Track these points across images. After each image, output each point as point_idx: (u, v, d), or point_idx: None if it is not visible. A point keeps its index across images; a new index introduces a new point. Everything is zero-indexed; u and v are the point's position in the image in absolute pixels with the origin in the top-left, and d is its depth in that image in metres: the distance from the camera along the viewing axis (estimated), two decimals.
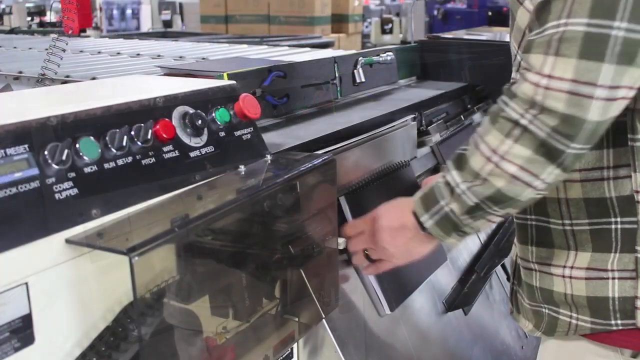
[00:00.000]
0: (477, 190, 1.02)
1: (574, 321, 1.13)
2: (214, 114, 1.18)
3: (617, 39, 0.90)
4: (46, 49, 1.91)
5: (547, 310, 1.16)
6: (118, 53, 2.78)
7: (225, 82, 1.31)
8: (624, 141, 1.05)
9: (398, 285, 1.55)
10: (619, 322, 1.08)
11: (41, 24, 8.64)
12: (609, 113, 0.93)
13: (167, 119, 1.08)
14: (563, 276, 1.13)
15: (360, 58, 2.14)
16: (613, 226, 1.08)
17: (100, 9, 9.97)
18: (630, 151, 1.04)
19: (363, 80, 2.12)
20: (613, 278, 1.08)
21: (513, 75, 1.19)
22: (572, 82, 0.91)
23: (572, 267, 1.12)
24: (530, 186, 0.99)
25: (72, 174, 0.92)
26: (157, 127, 1.06)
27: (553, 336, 1.17)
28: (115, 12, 10.13)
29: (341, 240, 1.35)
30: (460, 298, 1.80)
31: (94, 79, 1.89)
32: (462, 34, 3.02)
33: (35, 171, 0.88)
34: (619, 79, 0.91)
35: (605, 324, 1.09)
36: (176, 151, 1.08)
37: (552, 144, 0.95)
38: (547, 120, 0.94)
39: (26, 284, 0.84)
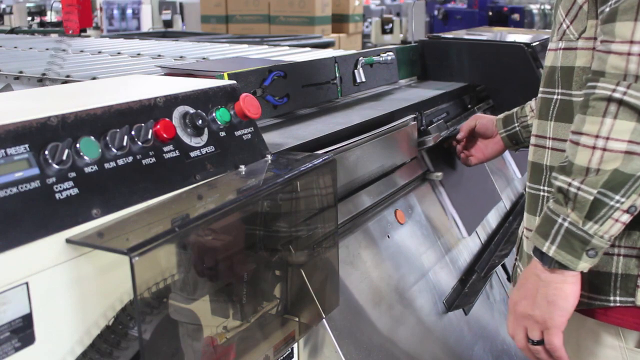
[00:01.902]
0: (592, 180, 0.94)
1: None
2: (214, 114, 1.18)
3: None
4: (49, 49, 1.90)
5: None
6: (118, 53, 2.78)
7: (226, 82, 1.31)
8: None
9: (473, 211, 1.49)
10: (617, 298, 1.08)
11: (42, 24, 8.65)
12: None
13: (167, 119, 1.08)
14: None
15: (361, 58, 2.14)
16: None
17: (101, 9, 9.97)
18: None
19: (363, 80, 2.12)
20: (619, 255, 1.07)
21: (553, 45, 1.14)
22: None
23: None
24: None
25: (73, 174, 0.92)
26: (158, 127, 1.06)
27: None
28: (115, 12, 10.12)
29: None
30: (461, 298, 1.80)
31: (94, 78, 1.89)
32: (462, 34, 3.02)
33: (35, 171, 0.88)
34: None
35: (604, 300, 1.09)
36: (176, 151, 1.08)
37: None
38: None
39: (26, 283, 0.84)
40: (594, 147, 0.93)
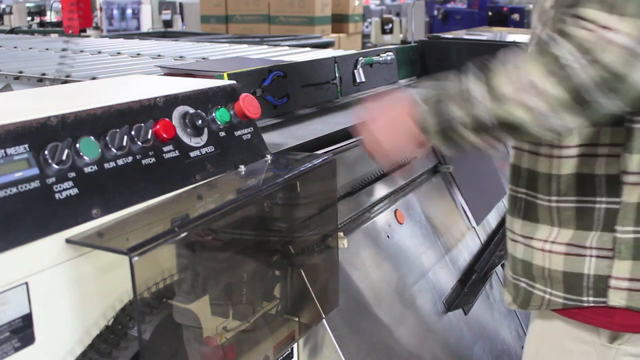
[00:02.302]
0: (499, 113, 1.00)
1: (547, 296, 1.15)
2: (214, 114, 1.18)
3: None
4: (62, 49, 1.90)
5: (524, 284, 1.19)
6: (118, 53, 2.78)
7: (226, 82, 1.31)
8: (621, 120, 1.05)
9: (481, 202, 1.49)
10: (590, 299, 1.10)
11: (41, 24, 8.65)
12: None
13: (167, 119, 1.08)
14: (543, 250, 1.15)
15: (361, 58, 2.14)
16: (597, 205, 1.09)
17: (101, 9, 9.96)
18: (625, 131, 1.05)
19: (363, 80, 2.12)
20: (591, 256, 1.10)
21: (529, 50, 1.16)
22: (632, 40, 0.90)
23: (552, 242, 1.13)
24: (552, 131, 0.98)
25: (73, 174, 0.92)
26: (158, 127, 1.06)
27: (527, 309, 1.20)
28: (115, 12, 10.12)
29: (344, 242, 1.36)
30: (461, 298, 1.80)
31: (94, 78, 1.89)
32: (462, 34, 3.02)
33: (35, 171, 0.88)
34: None
35: (577, 300, 1.11)
36: (176, 151, 1.08)
37: (594, 95, 0.93)
38: (599, 72, 0.92)
39: (26, 283, 0.84)
40: (520, 88, 0.97)
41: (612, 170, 1.07)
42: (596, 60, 0.92)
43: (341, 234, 1.41)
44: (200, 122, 1.12)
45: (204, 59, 2.46)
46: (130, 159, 1.00)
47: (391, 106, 1.17)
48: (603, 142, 1.08)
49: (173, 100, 1.12)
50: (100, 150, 0.96)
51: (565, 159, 1.11)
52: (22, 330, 0.84)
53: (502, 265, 2.08)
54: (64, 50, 1.93)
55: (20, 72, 2.07)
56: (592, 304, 1.10)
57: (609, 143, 1.07)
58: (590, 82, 0.93)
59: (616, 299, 1.08)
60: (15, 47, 3.10)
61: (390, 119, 1.16)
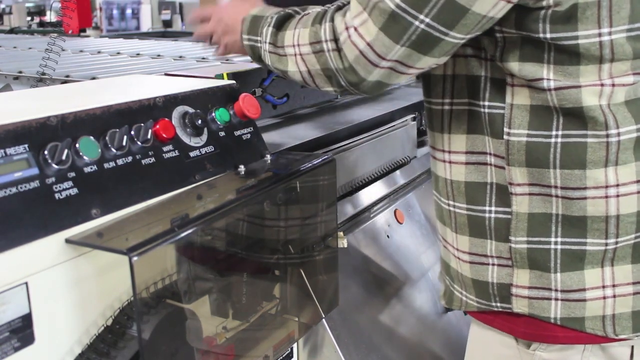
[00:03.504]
0: (273, 59, 1.16)
1: (464, 298, 1.16)
2: (213, 114, 1.18)
3: (417, 30, 0.95)
4: (46, 49, 1.90)
5: (448, 282, 1.21)
6: (118, 53, 2.78)
7: (225, 81, 1.31)
8: (502, 134, 1.05)
9: None
10: (498, 304, 1.11)
11: (41, 24, 8.64)
12: (391, 80, 1.04)
13: (167, 119, 1.08)
14: (454, 255, 1.16)
15: None
16: (487, 215, 1.09)
17: (100, 9, 9.96)
18: (504, 144, 1.04)
19: None
20: (493, 264, 1.10)
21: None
22: (367, 45, 0.99)
23: (457, 249, 1.15)
24: (308, 84, 1.13)
25: (72, 174, 0.92)
26: (157, 126, 1.06)
27: (452, 307, 1.22)
28: (115, 11, 10.11)
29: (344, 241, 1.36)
30: None
31: (93, 78, 1.89)
32: None
33: (35, 171, 0.88)
34: (409, 60, 0.99)
35: (488, 305, 1.12)
36: (176, 151, 1.08)
37: (336, 75, 1.06)
38: (338, 60, 1.04)
39: (26, 283, 0.84)
40: (293, 46, 1.12)
41: (501, 180, 1.07)
42: (337, 50, 1.02)
43: (341, 234, 1.41)
44: (200, 122, 1.12)
45: (203, 59, 2.46)
46: (130, 159, 1.00)
47: (243, 2, 1.30)
48: (489, 151, 1.07)
49: (173, 100, 1.12)
50: (100, 150, 0.96)
51: (456, 164, 1.11)
52: (22, 330, 0.84)
53: None
54: (46, 49, 1.93)
55: (20, 72, 2.06)
56: (500, 309, 1.11)
57: (494, 153, 1.06)
58: (334, 67, 1.05)
59: (519, 306, 1.08)
60: (15, 47, 3.09)
61: (232, 8, 1.29)
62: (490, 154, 1.07)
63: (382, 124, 1.84)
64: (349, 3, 1.04)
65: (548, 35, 0.96)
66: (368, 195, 1.73)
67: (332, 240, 1.32)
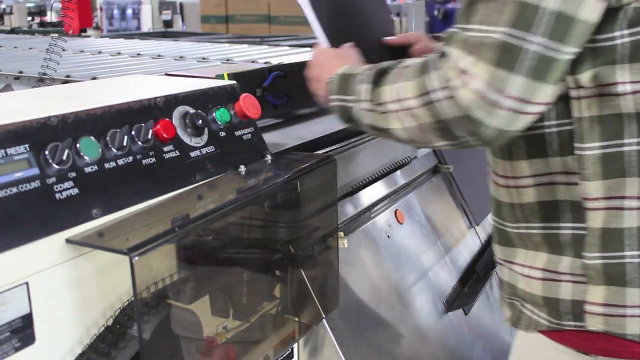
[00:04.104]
0: (371, 117, 1.09)
1: (534, 317, 1.14)
2: (214, 114, 1.18)
3: (530, 53, 0.91)
4: (47, 49, 1.90)
5: (518, 303, 1.19)
6: (118, 53, 2.78)
7: (226, 82, 1.31)
8: (572, 150, 1.04)
9: (481, 202, 1.48)
10: (570, 323, 1.09)
11: (42, 24, 8.63)
12: (514, 125, 0.95)
13: (167, 119, 1.08)
14: (522, 274, 1.15)
15: None
16: (563, 231, 1.08)
17: (101, 9, 9.96)
18: (577, 160, 1.03)
19: None
20: (566, 281, 1.09)
21: None
22: (484, 84, 0.92)
23: (530, 267, 1.13)
24: (419, 142, 1.06)
25: (73, 174, 0.92)
26: (158, 127, 1.06)
27: (518, 327, 1.19)
28: (115, 12, 10.11)
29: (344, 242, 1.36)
30: (461, 298, 1.80)
31: (94, 78, 1.89)
32: None
33: (35, 171, 0.88)
34: (532, 94, 0.92)
35: (558, 324, 1.11)
36: (176, 151, 1.08)
37: (450, 129, 0.98)
38: (453, 109, 0.96)
39: (26, 283, 0.84)
40: (396, 101, 1.04)
41: (575, 197, 1.06)
42: (452, 97, 0.95)
43: (341, 234, 1.41)
44: (200, 122, 1.12)
45: (204, 59, 2.46)
46: (130, 159, 1.00)
47: (337, 55, 1.29)
48: (556, 170, 1.07)
49: (173, 100, 1.12)
50: (100, 150, 0.96)
51: (523, 188, 1.11)
52: (22, 330, 0.84)
53: None
54: (47, 49, 1.93)
55: (20, 72, 2.06)
56: (572, 328, 1.09)
57: (563, 171, 1.06)
58: (450, 117, 0.96)
59: (594, 323, 1.07)
60: (15, 47, 3.09)
61: (327, 61, 1.27)
62: (558, 172, 1.06)
63: None
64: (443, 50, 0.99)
65: (626, 33, 0.95)
66: (368, 195, 1.73)
67: (332, 240, 1.32)
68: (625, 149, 1.00)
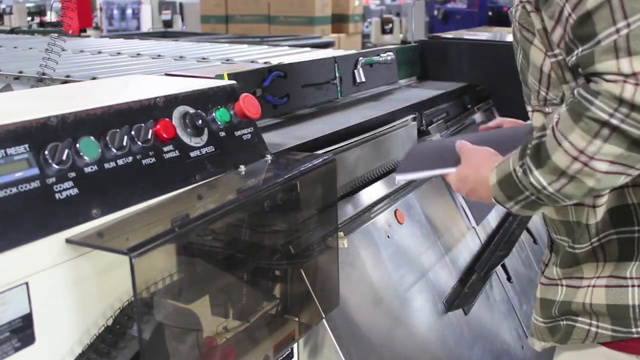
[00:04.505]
0: (567, 192, 0.98)
1: (593, 329, 1.12)
2: (214, 114, 1.18)
3: None
4: (46, 49, 1.90)
5: (564, 322, 1.17)
6: (118, 53, 2.78)
7: (226, 82, 1.31)
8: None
9: (481, 203, 1.47)
10: None
11: (41, 24, 8.63)
12: None
13: (167, 119, 1.08)
14: (584, 287, 1.13)
15: (361, 58, 2.14)
16: (636, 235, 1.08)
17: (101, 9, 9.96)
18: None
19: (363, 80, 2.12)
20: (633, 286, 1.08)
21: (537, 107, 1.16)
22: None
23: (596, 278, 1.12)
24: (624, 174, 0.95)
25: (73, 174, 0.92)
26: (158, 127, 1.06)
27: (566, 344, 1.17)
28: (115, 12, 10.11)
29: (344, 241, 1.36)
30: (461, 298, 1.80)
31: (94, 79, 1.89)
32: (462, 34, 3.02)
33: (35, 171, 0.88)
34: None
35: (627, 332, 1.09)
36: (176, 151, 1.08)
37: None
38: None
39: (26, 283, 0.84)
40: (575, 159, 0.95)
41: None
42: (633, 107, 0.89)
43: (341, 234, 1.41)
44: (200, 122, 1.12)
45: (204, 59, 2.46)
46: (130, 159, 1.00)
47: (471, 170, 1.19)
48: None
49: (173, 100, 1.12)
50: (100, 150, 0.96)
51: (600, 207, 1.09)
52: (22, 330, 0.84)
53: (503, 266, 2.09)
54: (46, 49, 1.93)
55: (20, 72, 2.06)
56: None
57: None
58: (638, 131, 0.89)
59: None
60: (15, 47, 3.09)
61: (470, 181, 1.19)
62: None
63: (382, 124, 1.84)
64: (587, 77, 0.94)
65: None
66: (368, 195, 1.73)
67: (332, 240, 1.32)
68: None
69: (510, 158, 1.06)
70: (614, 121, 0.90)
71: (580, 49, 0.94)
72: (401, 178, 1.35)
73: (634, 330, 1.08)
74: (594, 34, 0.91)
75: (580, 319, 1.14)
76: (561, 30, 1.00)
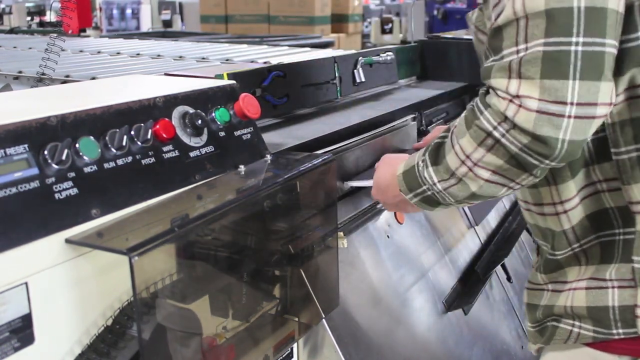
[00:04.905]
0: (453, 192, 1.06)
1: (575, 329, 1.13)
2: (214, 114, 1.18)
3: (577, 55, 0.89)
4: (45, 49, 1.90)
5: (549, 323, 1.17)
6: (118, 53, 2.78)
7: (225, 81, 1.31)
8: (608, 156, 1.04)
9: (481, 203, 1.48)
10: (620, 330, 1.08)
11: (41, 24, 8.63)
12: (585, 132, 0.92)
13: (167, 119, 1.08)
14: (566, 290, 1.14)
15: (360, 58, 2.14)
16: (617, 237, 1.08)
17: (100, 9, 9.96)
18: (615, 165, 1.03)
19: (363, 80, 2.12)
20: (612, 287, 1.08)
21: None
22: (541, 100, 0.90)
23: (577, 280, 1.13)
24: (505, 186, 1.01)
25: (72, 174, 0.92)
26: (157, 127, 1.06)
27: (549, 344, 1.18)
28: (115, 11, 10.11)
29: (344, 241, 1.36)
30: (460, 298, 1.80)
31: (93, 78, 1.89)
32: (462, 33, 3.01)
33: (35, 171, 0.88)
34: (592, 95, 0.90)
35: (607, 333, 1.09)
36: (176, 151, 1.08)
37: (525, 158, 0.95)
38: (518, 137, 0.93)
39: (26, 283, 0.84)
40: (463, 162, 1.01)
41: (620, 202, 1.06)
42: (514, 127, 0.93)
43: (341, 234, 1.41)
44: (200, 122, 1.12)
45: (203, 59, 2.46)
46: (129, 159, 1.00)
47: (384, 170, 1.28)
48: (598, 179, 1.06)
49: (173, 100, 1.12)
50: (99, 150, 0.96)
51: (572, 210, 1.10)
52: (22, 330, 0.84)
53: (502, 265, 2.09)
54: (45, 49, 1.93)
55: (20, 72, 2.06)
56: (622, 336, 1.08)
57: (603, 179, 1.06)
58: (519, 148, 0.94)
59: None
60: (15, 47, 3.09)
61: (382, 183, 1.28)
62: (599, 181, 1.06)
63: (382, 124, 1.84)
64: (487, 88, 0.98)
65: None
66: (368, 195, 1.73)
67: (332, 240, 1.32)
68: None
69: (418, 153, 1.14)
70: (496, 134, 0.95)
71: (491, 59, 0.97)
72: (351, 184, 1.57)
73: (614, 331, 1.09)
74: (501, 48, 0.95)
75: (564, 319, 1.15)
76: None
